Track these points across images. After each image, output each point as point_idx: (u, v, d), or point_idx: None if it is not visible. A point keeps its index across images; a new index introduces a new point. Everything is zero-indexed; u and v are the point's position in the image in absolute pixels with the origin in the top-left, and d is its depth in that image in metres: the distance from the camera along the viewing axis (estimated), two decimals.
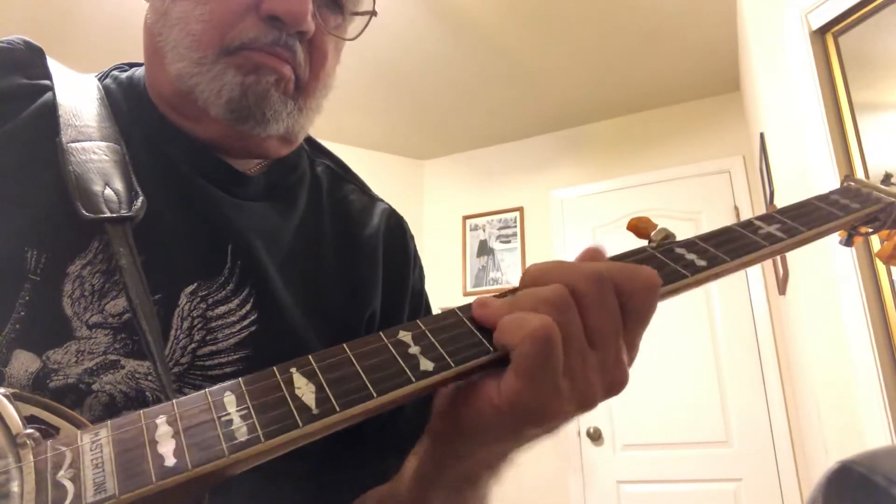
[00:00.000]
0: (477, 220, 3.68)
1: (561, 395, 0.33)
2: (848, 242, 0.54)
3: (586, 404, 0.35)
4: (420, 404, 0.55)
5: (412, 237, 0.70)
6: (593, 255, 0.39)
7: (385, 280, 0.63)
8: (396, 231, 0.68)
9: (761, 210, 2.79)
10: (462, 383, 0.37)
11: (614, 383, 0.35)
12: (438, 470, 0.42)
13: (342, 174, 0.69)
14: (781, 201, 2.00)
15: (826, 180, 1.71)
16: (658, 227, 0.44)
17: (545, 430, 0.36)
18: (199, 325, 0.50)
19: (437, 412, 0.39)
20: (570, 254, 3.30)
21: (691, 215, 3.07)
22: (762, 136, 2.20)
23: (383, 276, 0.63)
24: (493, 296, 0.37)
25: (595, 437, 2.97)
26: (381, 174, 3.68)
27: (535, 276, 0.36)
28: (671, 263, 0.42)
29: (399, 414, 0.58)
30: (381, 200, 0.70)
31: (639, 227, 0.45)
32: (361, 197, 0.68)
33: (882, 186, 0.53)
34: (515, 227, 3.55)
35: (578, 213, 3.38)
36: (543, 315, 0.33)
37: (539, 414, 0.33)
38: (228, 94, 0.52)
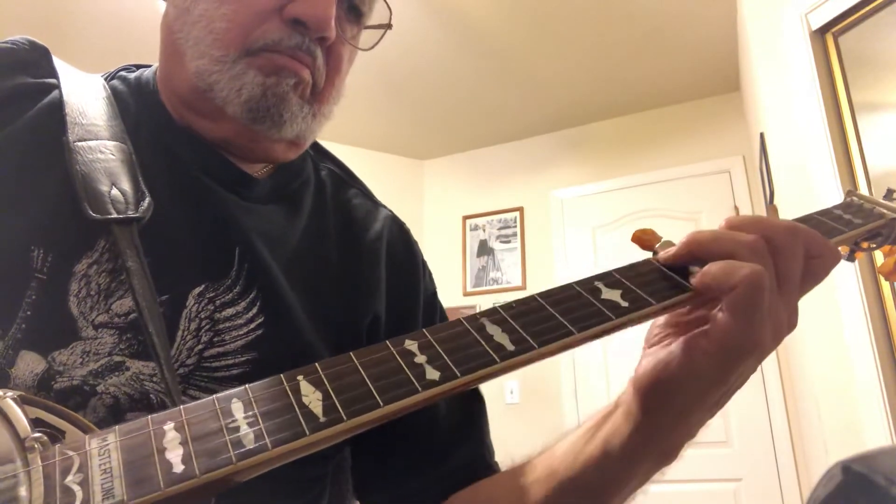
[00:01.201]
0: (477, 220, 3.68)
1: (764, 329, 0.38)
2: (850, 258, 0.54)
3: (777, 338, 0.40)
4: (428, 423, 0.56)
5: (416, 243, 0.70)
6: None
7: (391, 288, 0.63)
8: (401, 239, 0.68)
9: (761, 210, 2.79)
10: (653, 354, 0.42)
11: (793, 324, 0.42)
12: (645, 445, 0.44)
13: (346, 179, 0.69)
14: (781, 201, 2.00)
15: (826, 180, 1.71)
16: (663, 240, 0.44)
17: (747, 366, 0.40)
18: (207, 327, 0.50)
19: (640, 390, 0.42)
20: (570, 254, 3.29)
21: (691, 215, 3.07)
22: (762, 136, 2.20)
23: (388, 283, 0.63)
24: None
25: None
26: (381, 174, 3.68)
27: (736, 226, 0.41)
28: (676, 277, 0.41)
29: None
30: (384, 207, 0.70)
31: (643, 239, 0.44)
32: (365, 202, 0.68)
33: (884, 202, 0.53)
34: (515, 227, 3.55)
35: (578, 213, 3.38)
36: (752, 263, 0.38)
37: (746, 348, 0.38)
38: (248, 94, 0.52)
